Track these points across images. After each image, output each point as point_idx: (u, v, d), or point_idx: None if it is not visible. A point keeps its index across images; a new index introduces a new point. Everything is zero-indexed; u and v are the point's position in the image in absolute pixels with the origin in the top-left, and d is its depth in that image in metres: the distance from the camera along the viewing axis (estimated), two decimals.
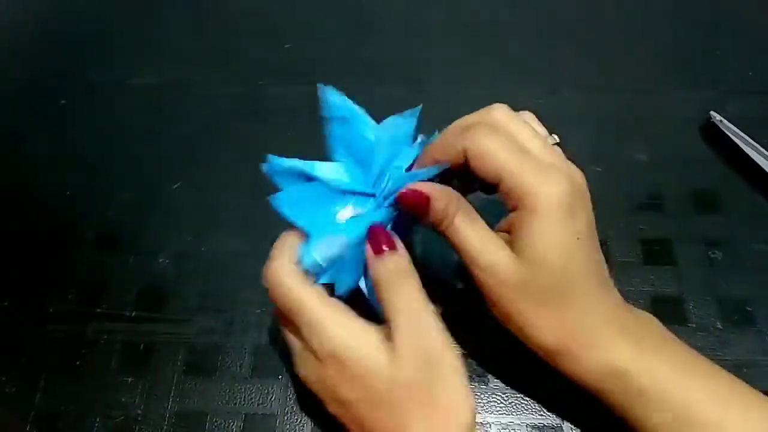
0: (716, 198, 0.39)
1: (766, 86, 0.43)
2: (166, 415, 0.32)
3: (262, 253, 0.37)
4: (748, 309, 0.34)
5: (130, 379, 0.33)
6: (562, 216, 0.25)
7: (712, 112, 0.40)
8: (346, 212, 0.29)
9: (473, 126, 0.27)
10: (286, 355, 0.31)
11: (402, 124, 0.30)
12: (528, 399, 0.32)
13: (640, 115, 0.42)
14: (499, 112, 0.28)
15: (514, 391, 0.32)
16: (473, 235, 0.27)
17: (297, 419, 0.32)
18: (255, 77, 0.46)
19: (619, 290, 0.35)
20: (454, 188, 0.28)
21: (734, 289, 0.35)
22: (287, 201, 0.28)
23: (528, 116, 0.30)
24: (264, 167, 0.29)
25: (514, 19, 0.48)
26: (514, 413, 0.32)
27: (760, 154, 0.38)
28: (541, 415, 0.32)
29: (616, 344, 0.26)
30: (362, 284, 0.29)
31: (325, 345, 0.26)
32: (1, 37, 0.50)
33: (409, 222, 0.30)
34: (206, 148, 0.42)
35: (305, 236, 0.28)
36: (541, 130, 0.30)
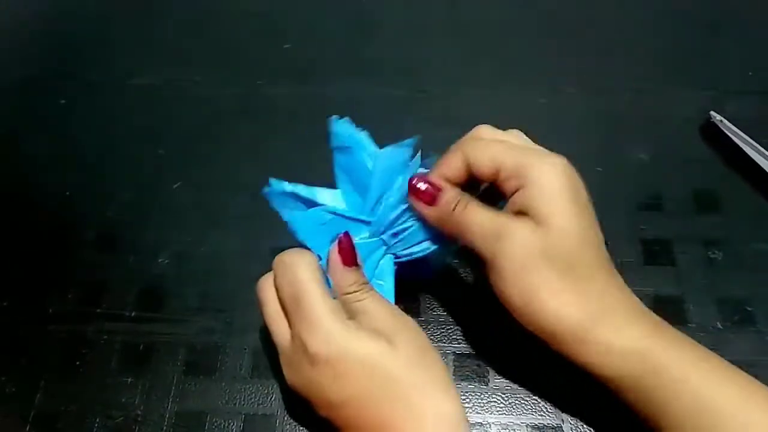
0: (716, 198, 0.39)
1: (766, 86, 0.43)
2: (165, 415, 0.32)
3: (262, 253, 0.37)
4: (748, 309, 0.34)
5: (129, 379, 0.33)
6: (566, 185, 0.26)
7: (712, 112, 0.40)
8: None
9: (466, 138, 0.30)
10: None
11: (398, 153, 0.30)
12: (528, 399, 0.32)
13: (640, 115, 0.42)
14: (484, 129, 0.30)
15: (514, 391, 0.32)
16: (483, 212, 0.27)
17: (297, 419, 0.32)
18: (255, 77, 0.46)
19: None
20: None
21: (734, 289, 0.35)
22: (297, 223, 0.30)
23: (516, 133, 0.30)
24: (265, 190, 0.30)
25: (514, 19, 0.48)
26: (514, 413, 0.32)
27: (760, 154, 0.38)
28: (541, 415, 0.32)
29: (635, 324, 0.26)
30: None
31: (324, 346, 0.26)
32: (1, 37, 0.50)
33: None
34: (206, 148, 0.42)
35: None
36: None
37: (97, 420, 0.32)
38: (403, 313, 0.29)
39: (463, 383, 0.33)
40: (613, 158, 0.40)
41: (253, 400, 0.33)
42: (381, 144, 0.30)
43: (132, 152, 0.42)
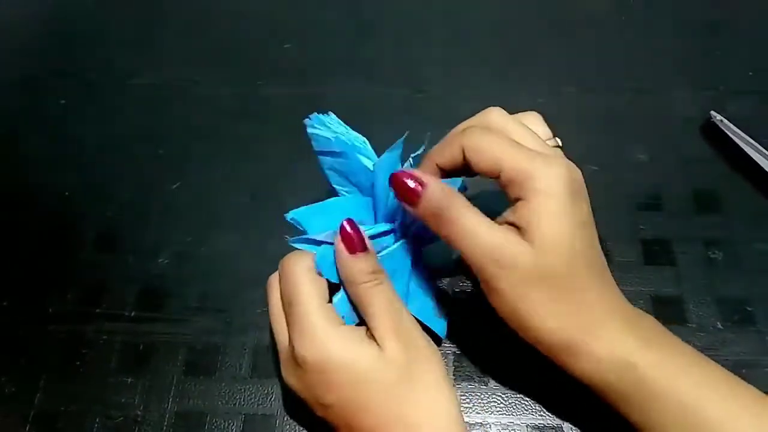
0: (716, 198, 0.38)
1: (767, 86, 0.43)
2: (165, 415, 0.32)
3: (262, 253, 0.37)
4: (748, 309, 0.34)
5: (129, 380, 0.33)
6: (566, 199, 0.25)
7: (712, 112, 0.40)
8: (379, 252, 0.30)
9: (469, 126, 0.28)
10: None
11: (392, 157, 0.29)
12: (528, 399, 0.32)
13: (640, 114, 0.42)
14: (495, 114, 0.28)
15: (514, 392, 0.32)
16: (481, 229, 0.26)
17: (297, 420, 0.32)
18: (255, 77, 0.46)
19: (620, 290, 0.35)
20: None
21: (734, 289, 0.35)
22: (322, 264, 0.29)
23: (533, 117, 0.30)
24: (289, 241, 0.29)
25: (515, 19, 0.48)
26: (514, 413, 0.32)
27: (760, 154, 0.38)
28: (541, 415, 0.32)
29: (624, 336, 0.26)
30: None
31: (310, 351, 0.26)
32: (1, 37, 0.50)
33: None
34: (206, 148, 0.42)
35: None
36: (544, 130, 0.30)
37: (97, 420, 0.32)
38: (406, 310, 0.28)
39: (463, 383, 0.33)
40: (613, 158, 0.40)
41: (253, 400, 0.32)
42: (381, 144, 0.30)
43: (132, 152, 0.42)
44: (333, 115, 0.31)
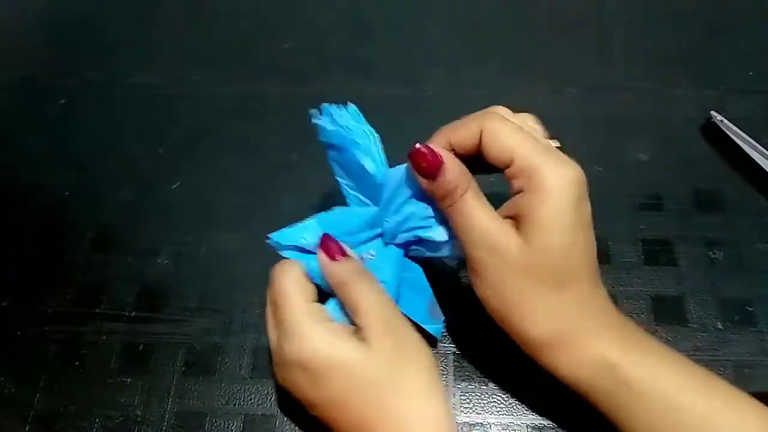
0: (717, 198, 0.38)
1: (767, 86, 0.43)
2: (165, 415, 0.32)
3: (262, 253, 0.37)
4: (749, 309, 0.34)
5: (129, 380, 0.33)
6: (571, 201, 0.25)
7: (712, 112, 0.40)
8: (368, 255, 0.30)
9: (487, 111, 0.28)
10: None
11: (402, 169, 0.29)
12: (528, 400, 0.32)
13: (640, 114, 0.42)
14: (502, 110, 0.29)
15: (514, 392, 0.32)
16: (482, 215, 0.26)
17: (296, 420, 0.32)
18: (254, 77, 0.46)
19: (620, 290, 0.35)
20: None
21: (735, 289, 0.35)
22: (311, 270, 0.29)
23: (528, 117, 0.30)
24: (270, 242, 0.30)
25: (514, 19, 0.48)
26: (514, 414, 0.32)
27: (760, 154, 0.38)
28: (541, 415, 0.32)
29: (607, 337, 0.26)
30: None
31: (294, 349, 0.26)
32: (1, 37, 0.50)
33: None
34: (206, 148, 0.42)
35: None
36: (541, 131, 0.30)
37: (97, 420, 0.32)
38: (395, 308, 0.28)
39: (463, 383, 0.33)
40: (613, 158, 0.40)
41: (252, 400, 0.32)
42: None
43: (131, 152, 0.42)
44: (352, 107, 0.30)
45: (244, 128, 0.43)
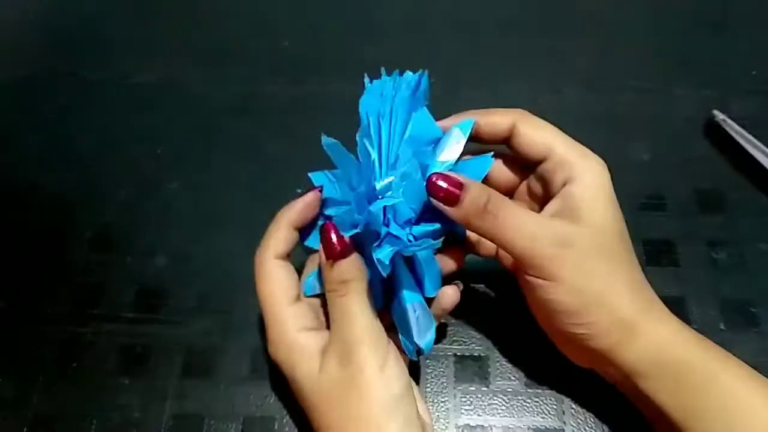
0: (719, 198, 0.38)
1: None
2: (163, 417, 0.32)
3: None
4: (752, 310, 0.34)
5: (127, 381, 0.33)
6: (611, 192, 0.28)
7: (715, 111, 0.40)
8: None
9: (515, 110, 0.29)
10: None
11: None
12: (529, 401, 0.32)
13: (642, 114, 0.42)
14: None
15: (515, 394, 0.32)
16: (523, 214, 0.26)
17: (296, 422, 0.32)
18: (254, 77, 0.45)
19: None
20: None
21: (737, 290, 0.35)
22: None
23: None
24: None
25: (515, 18, 0.48)
26: (515, 415, 0.31)
27: (763, 153, 0.38)
28: (543, 417, 0.31)
29: (669, 317, 0.27)
30: None
31: (274, 352, 0.28)
32: (1, 37, 0.50)
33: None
34: (205, 147, 0.42)
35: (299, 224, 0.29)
36: None
37: (95, 422, 0.32)
38: (368, 327, 0.26)
39: (464, 385, 0.32)
40: (614, 158, 0.39)
41: (251, 402, 0.32)
42: None
43: (130, 152, 0.42)
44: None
45: (243, 128, 0.43)
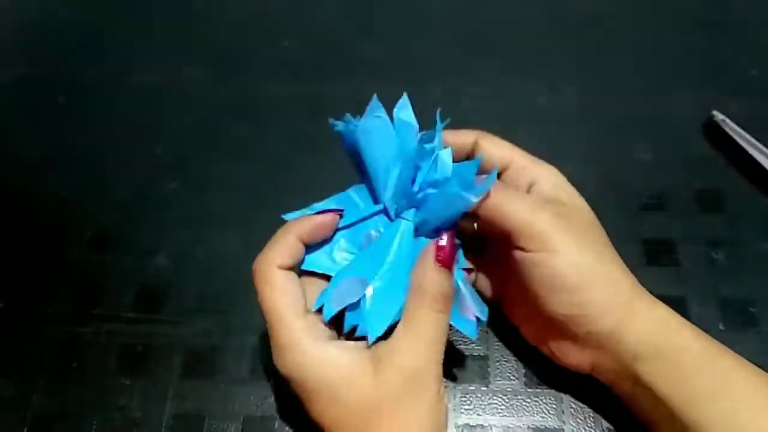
0: (719, 198, 0.38)
1: None
2: (163, 417, 0.32)
3: None
4: (751, 310, 0.34)
5: (127, 381, 0.33)
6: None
7: (714, 112, 0.40)
8: (370, 235, 0.29)
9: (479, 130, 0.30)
10: None
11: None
12: (529, 401, 0.32)
13: (641, 114, 0.42)
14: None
15: (515, 393, 0.32)
16: (524, 195, 0.28)
17: (295, 422, 0.32)
18: (254, 77, 0.45)
19: None
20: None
21: (737, 290, 0.35)
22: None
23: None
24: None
25: (515, 18, 0.48)
26: (515, 415, 0.31)
27: (762, 154, 0.38)
28: (543, 417, 0.31)
29: (658, 305, 0.27)
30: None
31: (282, 365, 0.26)
32: (1, 37, 0.50)
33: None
34: (205, 147, 0.42)
35: (305, 234, 0.28)
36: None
37: (95, 422, 0.32)
38: (439, 348, 0.26)
39: (464, 384, 0.32)
40: (614, 158, 0.40)
41: (251, 402, 0.32)
42: None
43: (130, 151, 0.42)
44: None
45: (243, 127, 0.43)
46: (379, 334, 0.26)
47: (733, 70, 0.44)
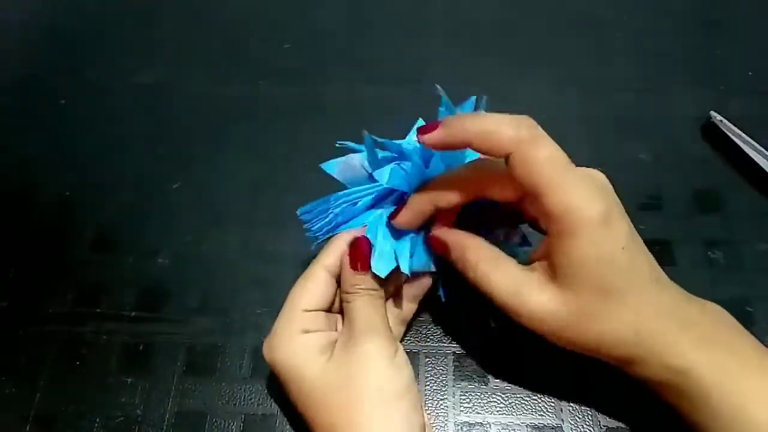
0: (716, 198, 0.38)
1: (767, 86, 0.43)
2: (165, 415, 0.32)
3: (262, 253, 0.37)
4: (749, 309, 0.34)
5: (129, 380, 0.33)
6: (602, 232, 0.25)
7: (712, 112, 0.40)
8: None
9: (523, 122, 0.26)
10: None
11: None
12: (528, 399, 0.32)
13: (640, 114, 0.42)
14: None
15: (514, 391, 0.32)
16: (503, 282, 0.27)
17: (296, 420, 0.32)
18: (255, 77, 0.46)
19: None
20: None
21: (734, 289, 0.35)
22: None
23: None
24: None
25: (515, 19, 0.48)
26: (514, 413, 0.32)
27: (760, 154, 0.38)
28: (541, 415, 0.32)
29: (678, 340, 0.25)
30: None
31: (268, 352, 0.29)
32: (1, 37, 0.50)
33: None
34: (206, 148, 0.42)
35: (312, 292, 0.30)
36: None
37: (97, 420, 0.32)
38: (381, 321, 0.29)
39: (463, 383, 0.33)
40: (613, 158, 0.40)
41: (252, 400, 0.32)
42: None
43: (131, 152, 0.42)
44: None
45: (244, 128, 0.43)
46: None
47: (731, 71, 0.44)
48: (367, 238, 0.29)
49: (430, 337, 0.34)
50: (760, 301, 0.34)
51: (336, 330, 0.30)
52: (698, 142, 0.41)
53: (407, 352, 0.33)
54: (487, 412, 0.32)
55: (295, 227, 0.31)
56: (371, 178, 0.30)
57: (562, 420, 0.31)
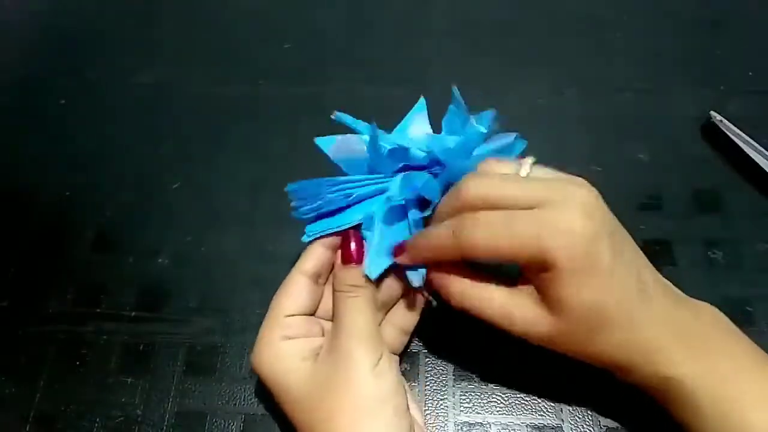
0: (716, 198, 0.38)
1: (767, 86, 0.43)
2: (165, 415, 0.32)
3: (262, 253, 0.37)
4: (749, 309, 0.34)
5: (129, 380, 0.33)
6: (583, 264, 0.25)
7: (712, 112, 0.40)
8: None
9: (460, 222, 0.26)
10: None
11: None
12: (528, 399, 0.32)
13: (640, 114, 0.42)
14: (471, 187, 0.27)
15: (514, 392, 0.32)
16: (491, 312, 0.27)
17: None
18: (255, 77, 0.46)
19: None
20: None
21: (734, 289, 0.35)
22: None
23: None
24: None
25: (514, 19, 0.48)
26: (513, 413, 0.32)
27: (760, 154, 0.38)
28: (541, 415, 0.32)
29: (672, 351, 0.25)
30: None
31: (254, 361, 0.29)
32: (1, 37, 0.50)
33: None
34: (206, 148, 0.42)
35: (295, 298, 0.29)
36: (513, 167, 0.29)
37: (97, 420, 0.32)
38: (369, 326, 0.28)
39: (463, 383, 0.33)
40: (612, 158, 0.40)
41: (252, 400, 0.32)
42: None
43: (131, 152, 0.42)
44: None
45: (244, 128, 0.43)
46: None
47: (731, 71, 0.44)
48: (358, 232, 0.29)
49: (430, 337, 0.34)
50: (759, 301, 0.34)
51: (322, 335, 0.30)
52: (698, 142, 0.41)
53: (407, 353, 0.33)
54: (487, 412, 0.32)
55: (295, 227, 0.31)
56: (371, 167, 0.30)
57: (562, 420, 0.31)
